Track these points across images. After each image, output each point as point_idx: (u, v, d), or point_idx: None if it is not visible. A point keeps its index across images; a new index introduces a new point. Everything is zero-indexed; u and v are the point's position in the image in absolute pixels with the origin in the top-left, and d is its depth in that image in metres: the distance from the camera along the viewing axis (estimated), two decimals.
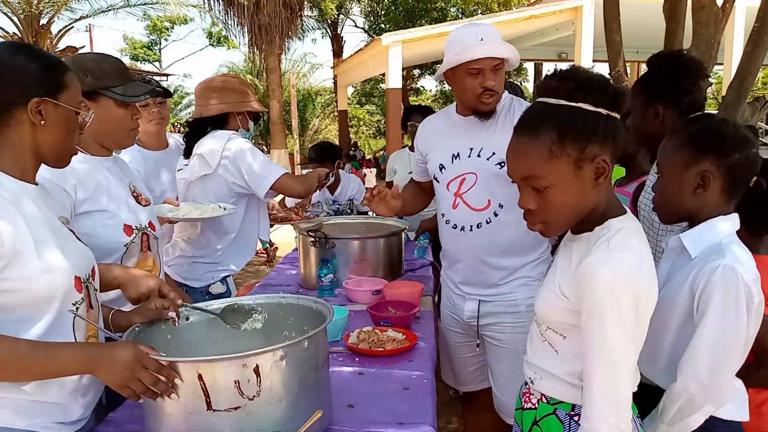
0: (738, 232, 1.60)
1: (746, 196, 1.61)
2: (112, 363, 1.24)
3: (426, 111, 4.31)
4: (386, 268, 2.78)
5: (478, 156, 2.14)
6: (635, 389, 1.29)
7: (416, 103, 4.65)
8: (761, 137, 16.58)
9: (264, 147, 20.73)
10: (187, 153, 2.75)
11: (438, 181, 2.25)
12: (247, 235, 2.82)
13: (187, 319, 1.60)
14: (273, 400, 1.30)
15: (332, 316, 1.49)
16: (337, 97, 19.80)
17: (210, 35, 31.17)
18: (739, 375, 1.59)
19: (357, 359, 1.94)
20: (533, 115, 1.22)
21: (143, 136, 2.73)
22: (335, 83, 20.53)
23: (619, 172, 2.53)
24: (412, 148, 4.23)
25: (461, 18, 18.80)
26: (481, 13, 18.49)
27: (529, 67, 21.56)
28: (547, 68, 18.35)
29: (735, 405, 1.40)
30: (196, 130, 2.74)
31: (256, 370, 1.27)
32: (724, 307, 1.30)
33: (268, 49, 14.89)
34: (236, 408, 1.26)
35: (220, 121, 2.73)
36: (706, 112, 1.46)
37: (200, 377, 1.25)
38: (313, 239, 2.68)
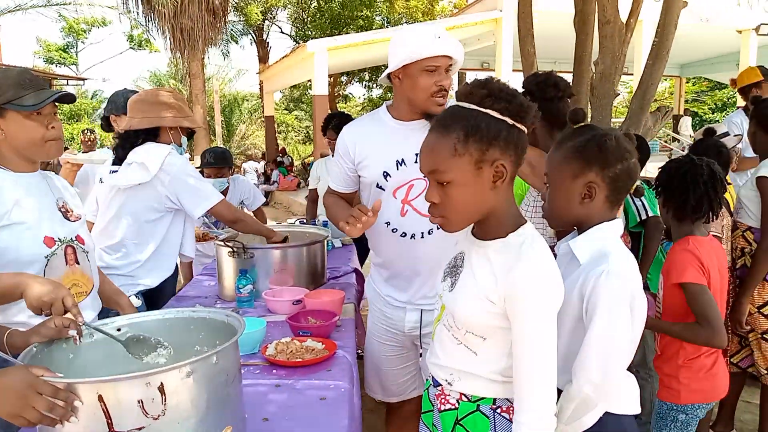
0: (676, 223, 2.16)
1: (671, 191, 2.12)
2: (1, 392, 1.16)
3: (349, 119, 4.32)
4: (308, 277, 2.76)
5: (406, 163, 2.12)
6: None
7: (338, 111, 4.59)
8: (668, 143, 17.60)
9: (188, 152, 20.20)
10: (118, 162, 2.69)
11: (382, 189, 2.16)
12: (169, 250, 2.77)
13: (92, 336, 1.53)
14: (180, 418, 1.26)
15: (243, 329, 1.47)
16: (263, 103, 19.55)
17: (131, 38, 30.11)
18: (683, 337, 2.04)
19: (274, 371, 1.91)
20: (446, 116, 1.31)
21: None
22: (261, 89, 20.28)
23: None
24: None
25: (387, 26, 18.99)
26: (405, 22, 18.74)
27: (454, 75, 22.01)
28: (470, 77, 18.80)
29: (627, 400, 1.48)
30: (126, 142, 2.70)
31: (161, 389, 1.23)
32: (609, 311, 1.37)
33: (191, 53, 14.57)
34: (140, 429, 1.22)
35: (151, 135, 2.70)
36: (588, 123, 1.55)
37: (101, 398, 1.19)
38: (230, 249, 2.63)
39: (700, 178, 2.11)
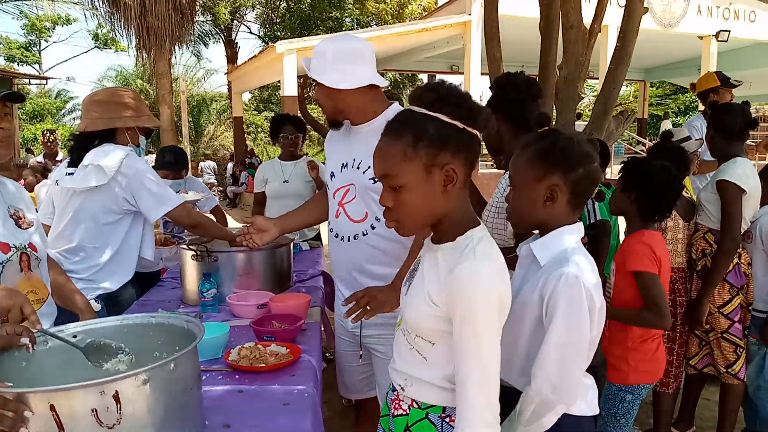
0: (636, 217, 2.33)
1: (640, 194, 2.29)
2: None
3: (298, 121, 4.29)
4: (274, 281, 2.74)
5: (357, 168, 2.16)
6: None
7: (285, 113, 4.37)
8: (633, 146, 17.96)
9: (153, 153, 19.90)
10: (73, 164, 2.63)
11: (329, 188, 2.29)
12: (128, 252, 2.72)
13: (47, 343, 1.49)
14: (136, 427, 1.23)
15: (203, 335, 1.45)
16: (231, 104, 19.36)
17: (96, 37, 29.50)
18: (633, 321, 2.24)
19: (237, 376, 1.89)
20: (397, 120, 1.31)
21: None
22: (230, 89, 20.07)
23: None
24: (283, 158, 4.21)
25: (356, 28, 18.98)
26: (375, 24, 18.75)
27: (424, 78, 22.11)
28: (440, 80, 18.89)
29: (585, 401, 1.50)
30: (81, 144, 2.64)
31: (116, 397, 1.20)
32: (568, 313, 1.39)
33: (158, 53, 14.32)
34: None
35: (107, 136, 2.64)
36: (552, 127, 1.56)
37: (53, 408, 1.16)
38: (193, 253, 2.59)
39: (664, 179, 2.29)
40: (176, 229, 3.88)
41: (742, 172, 2.81)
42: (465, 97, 1.27)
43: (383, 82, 2.11)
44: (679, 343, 2.97)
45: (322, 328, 3.33)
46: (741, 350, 2.91)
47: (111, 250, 2.66)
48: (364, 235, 2.15)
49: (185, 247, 2.64)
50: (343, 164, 2.20)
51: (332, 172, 2.25)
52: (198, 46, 21.92)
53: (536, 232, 1.59)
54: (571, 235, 1.50)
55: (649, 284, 2.22)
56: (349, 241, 2.19)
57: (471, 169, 1.30)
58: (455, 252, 1.28)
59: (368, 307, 1.96)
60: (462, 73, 13.95)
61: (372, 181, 2.10)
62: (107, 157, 2.56)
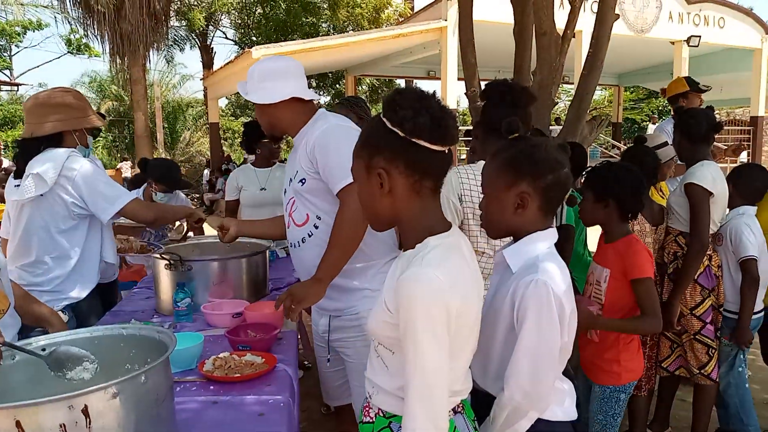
0: (618, 224, 2.39)
1: (615, 201, 2.33)
2: None
3: (255, 128, 4.19)
4: (249, 289, 2.71)
5: (293, 180, 2.24)
6: (465, 396, 1.36)
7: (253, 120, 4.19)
8: (608, 150, 18.21)
9: (130, 161, 19.65)
10: (18, 174, 2.55)
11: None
12: (90, 259, 2.65)
13: (13, 357, 1.46)
14: None
15: (175, 346, 1.43)
16: (207, 110, 19.21)
17: (69, 42, 29.06)
18: (632, 330, 2.31)
19: (212, 387, 1.87)
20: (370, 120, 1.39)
21: None
22: (205, 95, 19.91)
23: None
24: (258, 164, 4.15)
25: (333, 33, 18.97)
26: (352, 29, 18.76)
27: (402, 83, 22.21)
28: (418, 85, 18.98)
29: (561, 407, 1.50)
30: (27, 150, 2.54)
31: (85, 411, 1.18)
32: (538, 319, 1.39)
33: (132, 58, 14.19)
34: None
35: (54, 140, 2.55)
36: (522, 134, 1.57)
37: (18, 424, 1.14)
38: (167, 262, 2.56)
39: (635, 180, 2.36)
40: (152, 238, 3.84)
41: (709, 174, 2.86)
42: (421, 110, 1.25)
43: (308, 95, 2.21)
44: (650, 345, 3.00)
45: (299, 337, 3.32)
46: (713, 351, 2.96)
47: (73, 259, 2.58)
48: (309, 236, 2.19)
49: (158, 256, 2.60)
50: (290, 179, 2.28)
51: (285, 189, 2.34)
52: (172, 51, 21.66)
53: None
54: (543, 242, 1.50)
55: (650, 290, 2.26)
56: (299, 246, 2.23)
57: (418, 180, 1.29)
58: (408, 259, 1.29)
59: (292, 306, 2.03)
60: (439, 79, 14.01)
61: (300, 183, 2.18)
62: (46, 164, 2.47)
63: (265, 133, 2.35)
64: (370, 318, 1.37)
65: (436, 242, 1.29)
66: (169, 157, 22.03)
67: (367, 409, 1.42)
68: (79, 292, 2.61)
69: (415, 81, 19.07)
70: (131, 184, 5.51)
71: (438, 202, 1.36)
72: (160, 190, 4.09)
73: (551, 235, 1.52)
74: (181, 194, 4.44)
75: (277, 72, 2.19)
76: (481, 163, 2.21)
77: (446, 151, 1.29)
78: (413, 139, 1.25)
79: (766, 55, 16.24)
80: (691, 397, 3.21)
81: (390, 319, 1.27)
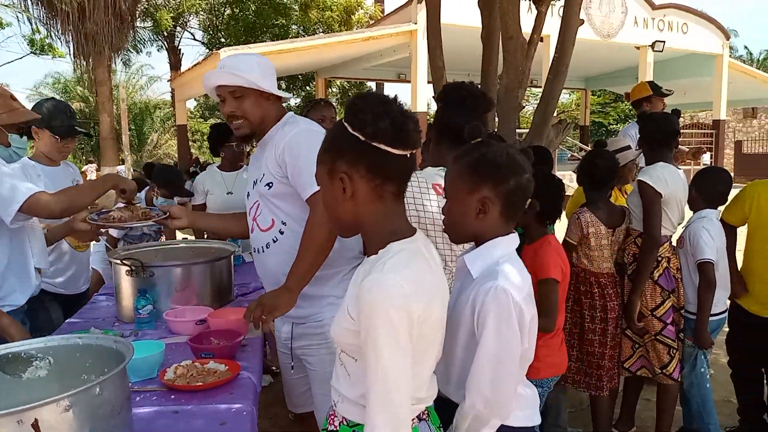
0: (537, 226, 2.46)
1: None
2: None
3: (226, 130, 4.04)
4: (214, 295, 2.66)
5: (260, 181, 2.20)
6: (430, 403, 1.35)
7: (221, 122, 4.11)
8: (576, 153, 18.47)
9: (95, 164, 19.29)
10: None
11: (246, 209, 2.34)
12: (24, 263, 2.50)
13: None
14: None
15: (132, 355, 1.39)
16: (175, 111, 18.97)
17: (32, 43, 28.40)
18: None
19: (173, 396, 1.82)
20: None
21: None
22: (173, 97, 19.66)
23: None
24: (224, 168, 4.09)
25: (303, 35, 18.90)
26: (322, 32, 18.71)
27: (372, 86, 22.22)
28: (387, 88, 19.04)
29: (523, 412, 1.51)
30: None
31: (35, 426, 1.13)
32: (498, 326, 1.39)
33: (97, 60, 13.91)
34: None
35: None
36: (485, 139, 1.57)
37: None
38: (128, 268, 2.50)
39: (553, 182, 2.47)
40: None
41: (660, 175, 2.92)
42: (382, 115, 1.24)
43: (284, 94, 2.19)
44: (611, 346, 3.04)
45: (267, 342, 3.28)
46: (674, 351, 3.01)
47: (3, 263, 2.40)
48: (274, 241, 2.16)
49: (119, 261, 2.54)
50: (254, 182, 2.25)
51: (248, 192, 2.30)
52: (129, 54, 21.24)
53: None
54: (504, 247, 1.50)
55: (549, 292, 2.35)
56: (263, 251, 2.20)
57: (380, 185, 1.28)
58: (371, 265, 1.28)
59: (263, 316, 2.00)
60: (409, 82, 14.06)
61: (267, 187, 2.14)
62: None
63: (235, 133, 2.24)
64: (333, 325, 1.34)
65: (399, 247, 1.28)
66: (135, 159, 21.72)
67: (332, 417, 1.40)
68: (19, 299, 2.46)
69: (385, 84, 19.11)
70: None
71: (402, 206, 1.35)
72: (162, 194, 4.06)
73: (513, 240, 1.52)
74: (175, 201, 4.39)
75: (248, 63, 2.14)
76: (429, 170, 2.19)
77: (408, 155, 1.28)
78: (374, 143, 1.24)
79: (727, 60, 16.69)
80: (655, 396, 3.27)
81: (352, 326, 1.25)
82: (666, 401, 3.12)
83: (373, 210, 1.31)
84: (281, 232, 2.15)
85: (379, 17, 18.07)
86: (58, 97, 26.25)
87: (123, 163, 16.28)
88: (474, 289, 1.45)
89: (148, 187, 4.33)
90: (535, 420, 1.52)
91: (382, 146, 1.25)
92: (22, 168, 2.81)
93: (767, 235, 3.01)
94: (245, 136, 2.22)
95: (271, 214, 2.17)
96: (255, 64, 2.15)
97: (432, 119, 2.26)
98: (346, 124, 1.27)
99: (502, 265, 1.45)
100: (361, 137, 1.25)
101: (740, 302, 3.15)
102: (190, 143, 21.57)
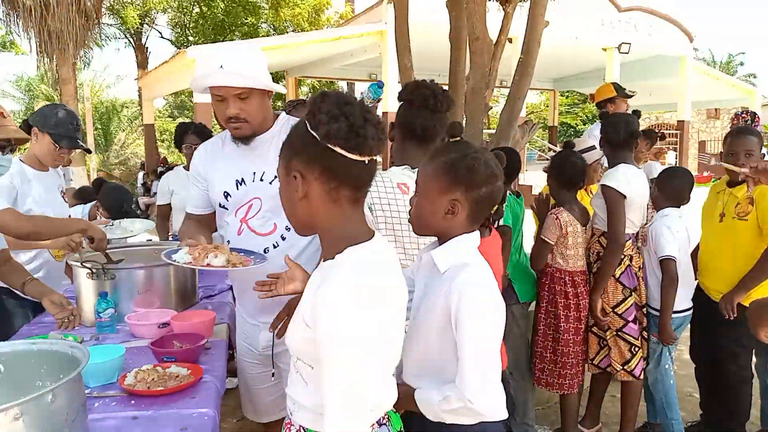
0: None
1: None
2: None
3: (203, 130, 4.07)
4: (177, 298, 2.61)
5: (261, 180, 2.10)
6: (390, 407, 1.34)
7: (191, 121, 4.15)
8: (544, 153, 18.69)
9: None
10: None
11: (225, 209, 2.18)
12: None
13: None
14: None
15: (87, 361, 1.36)
16: (142, 110, 18.67)
17: None
18: None
19: (133, 402, 1.78)
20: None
21: None
22: (140, 96, 19.36)
23: None
24: (188, 167, 3.93)
25: (273, 34, 18.76)
26: (292, 31, 18.61)
27: (343, 85, 22.17)
28: (358, 88, 18.99)
29: (498, 406, 1.52)
30: None
31: None
32: (478, 324, 1.41)
33: (61, 57, 13.60)
34: None
35: None
36: (461, 139, 1.58)
37: None
38: (88, 271, 2.44)
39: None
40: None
41: (623, 177, 2.97)
42: (338, 117, 1.20)
43: (284, 89, 2.11)
44: (576, 342, 3.08)
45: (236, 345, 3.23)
46: (636, 349, 3.06)
47: None
48: (275, 247, 2.09)
49: (80, 264, 2.48)
50: (238, 181, 2.13)
51: (226, 192, 2.15)
52: (94, 51, 20.75)
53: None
54: (468, 243, 1.52)
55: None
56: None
57: (335, 188, 1.25)
58: (327, 271, 1.25)
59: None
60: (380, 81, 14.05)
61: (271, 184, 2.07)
62: None
63: (234, 134, 2.10)
64: (288, 333, 1.32)
65: (356, 253, 1.25)
66: (102, 159, 21.31)
67: (288, 426, 1.38)
68: None
69: (356, 83, 19.08)
70: (78, 196, 5.29)
71: (360, 211, 1.32)
72: (105, 216, 3.95)
73: (475, 237, 1.55)
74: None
75: (255, 60, 2.05)
76: (393, 169, 2.17)
77: (366, 162, 1.24)
78: (328, 145, 1.21)
79: (692, 62, 17.05)
80: (620, 393, 3.32)
81: (308, 333, 1.22)
82: (630, 397, 3.17)
83: (328, 213, 1.28)
84: (283, 238, 2.08)
85: (350, 17, 18.04)
86: (20, 94, 25.63)
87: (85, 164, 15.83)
88: (446, 285, 1.45)
89: (93, 202, 4.18)
90: (502, 414, 1.54)
91: (338, 149, 1.21)
92: (20, 172, 2.85)
93: None
94: (245, 138, 2.10)
95: (274, 218, 2.08)
96: (260, 61, 2.06)
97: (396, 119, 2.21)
98: (306, 122, 1.24)
99: (471, 260, 1.48)
100: (316, 137, 1.22)
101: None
102: (158, 143, 21.26)
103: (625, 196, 2.95)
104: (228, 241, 2.19)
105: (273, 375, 2.22)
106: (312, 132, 1.22)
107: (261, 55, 2.10)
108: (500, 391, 1.52)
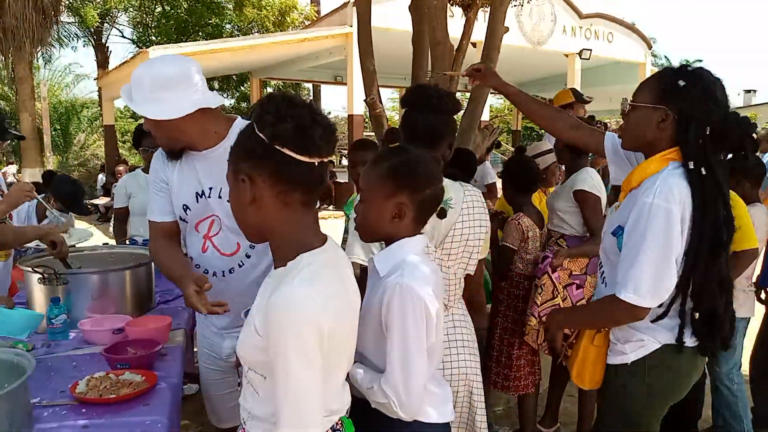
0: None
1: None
2: None
3: None
4: (133, 303, 2.56)
5: (219, 197, 2.00)
6: (343, 413, 1.34)
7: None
8: (507, 157, 18.92)
9: (15, 165, 18.35)
10: None
11: (185, 222, 2.09)
12: None
13: None
14: None
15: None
16: (102, 111, 18.28)
17: None
18: None
19: (84, 410, 1.74)
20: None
21: None
22: (100, 96, 18.94)
23: None
24: (147, 170, 3.83)
25: (237, 35, 18.59)
26: (257, 32, 18.46)
27: (309, 87, 22.08)
28: (324, 90, 18.98)
29: (436, 409, 1.54)
30: None
31: None
32: (403, 324, 1.41)
33: (17, 55, 13.24)
34: None
35: None
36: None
37: None
38: (40, 276, 2.38)
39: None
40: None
41: (595, 181, 3.06)
42: (276, 120, 1.19)
43: (215, 102, 1.93)
44: (529, 348, 3.13)
45: (195, 350, 3.18)
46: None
47: None
48: (240, 266, 2.04)
49: (31, 270, 2.41)
50: (197, 193, 2.03)
51: (185, 205, 2.05)
52: (52, 50, 20.28)
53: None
54: (412, 246, 1.53)
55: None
56: (224, 276, 2.05)
57: (285, 192, 1.23)
58: (280, 279, 1.23)
59: None
60: (345, 84, 14.05)
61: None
62: None
63: (164, 150, 2.02)
64: (239, 342, 1.30)
65: (308, 259, 1.24)
66: (60, 161, 20.78)
67: None
68: None
69: (322, 86, 19.05)
70: None
71: (312, 216, 1.30)
72: (57, 207, 3.82)
73: (420, 240, 1.57)
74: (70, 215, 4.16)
75: (173, 80, 1.84)
76: None
77: (316, 164, 1.23)
78: (275, 146, 1.19)
79: (650, 68, 17.49)
80: (577, 392, 3.37)
81: (260, 343, 1.20)
82: (586, 398, 3.22)
83: (279, 218, 1.25)
84: (248, 256, 2.02)
85: (315, 19, 17.99)
86: None
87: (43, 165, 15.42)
88: (381, 287, 1.46)
89: (42, 196, 4.07)
90: (447, 417, 1.55)
91: (286, 151, 1.19)
92: None
93: None
94: (174, 153, 2.01)
95: (237, 238, 1.99)
96: (182, 77, 1.86)
97: (395, 122, 2.20)
98: (254, 123, 1.22)
99: (408, 262, 1.48)
100: (265, 139, 1.19)
101: None
102: (119, 144, 20.85)
103: (599, 197, 3.02)
104: (191, 258, 2.12)
105: (239, 385, 2.19)
106: (259, 133, 1.20)
107: (178, 70, 1.88)
108: (438, 395, 1.54)
